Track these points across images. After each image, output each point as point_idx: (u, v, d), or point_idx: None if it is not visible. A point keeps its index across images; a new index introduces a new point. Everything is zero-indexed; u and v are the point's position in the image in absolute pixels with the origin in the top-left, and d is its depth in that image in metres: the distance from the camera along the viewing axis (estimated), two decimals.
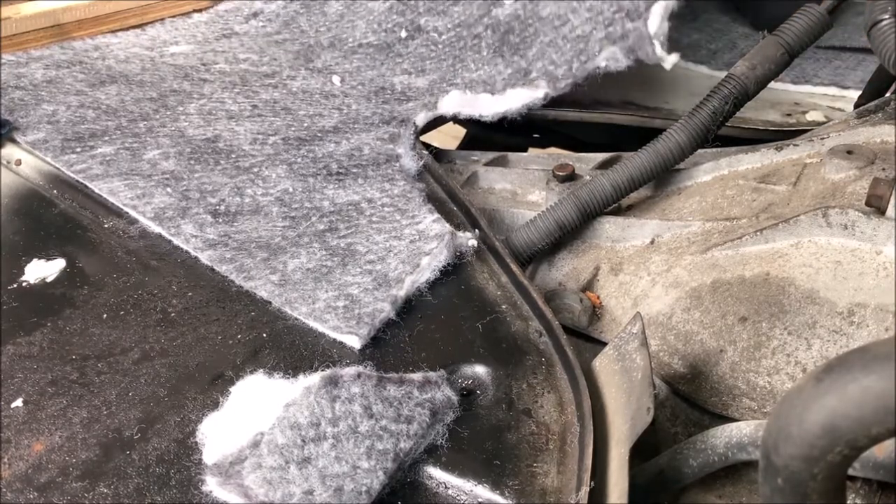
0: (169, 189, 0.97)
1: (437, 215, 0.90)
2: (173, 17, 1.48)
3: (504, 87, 1.16)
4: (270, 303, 0.81)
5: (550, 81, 1.11)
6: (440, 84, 1.22)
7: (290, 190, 0.98)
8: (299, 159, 1.04)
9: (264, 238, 0.89)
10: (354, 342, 0.74)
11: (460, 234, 0.86)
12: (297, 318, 0.78)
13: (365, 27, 1.40)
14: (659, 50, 1.01)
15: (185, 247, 0.88)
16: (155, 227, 0.91)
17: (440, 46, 1.30)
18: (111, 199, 0.96)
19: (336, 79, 1.27)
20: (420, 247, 0.84)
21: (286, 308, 0.79)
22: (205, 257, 0.86)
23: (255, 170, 1.02)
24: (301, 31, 1.44)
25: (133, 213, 0.94)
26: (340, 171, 1.02)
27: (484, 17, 1.29)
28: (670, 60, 1.02)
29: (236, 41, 1.41)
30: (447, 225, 0.87)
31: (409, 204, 0.93)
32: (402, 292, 0.79)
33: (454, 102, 1.15)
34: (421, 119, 1.13)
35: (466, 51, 1.26)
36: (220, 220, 0.92)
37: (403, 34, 1.35)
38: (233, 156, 1.05)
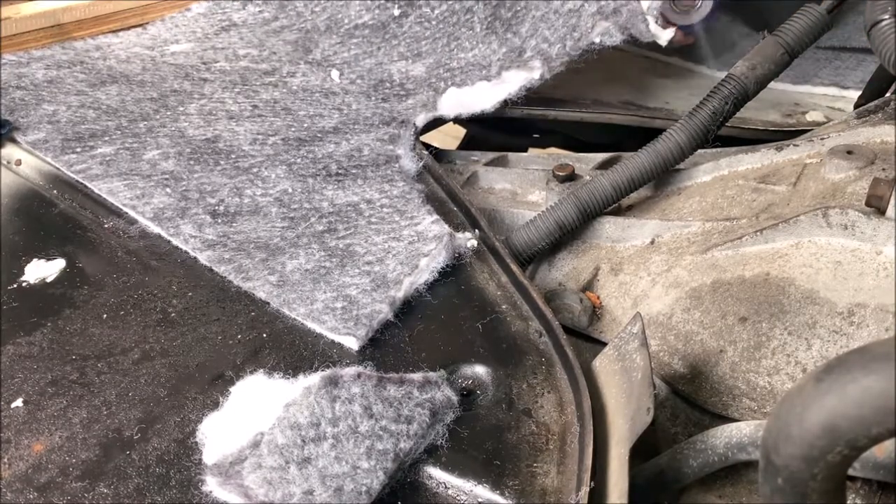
0: (168, 189, 0.97)
1: (435, 216, 0.90)
2: (173, 13, 1.47)
3: (499, 69, 1.15)
4: (270, 303, 0.81)
5: (545, 61, 1.10)
6: (437, 70, 1.22)
7: (290, 190, 0.98)
8: (299, 160, 1.04)
9: (263, 239, 0.89)
10: (352, 343, 0.74)
11: (459, 234, 0.86)
12: (296, 319, 0.78)
13: (359, 5, 1.39)
14: (653, 26, 1.00)
15: (184, 247, 0.88)
16: (154, 228, 0.91)
17: (434, 23, 1.29)
18: (111, 200, 0.96)
19: (335, 73, 1.27)
20: (419, 248, 0.84)
21: (284, 309, 0.79)
22: (203, 258, 0.86)
23: (255, 170, 1.02)
24: (297, 13, 1.43)
25: (132, 214, 0.94)
26: (340, 171, 1.02)
27: None
28: (665, 36, 1.01)
29: (235, 34, 1.41)
30: (446, 226, 0.87)
31: (408, 205, 0.93)
32: (400, 293, 0.79)
33: (453, 103, 1.15)
34: (421, 120, 1.13)
35: (460, 27, 1.25)
36: (219, 221, 0.92)
37: (397, 11, 1.35)
38: (232, 156, 1.05)
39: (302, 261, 0.85)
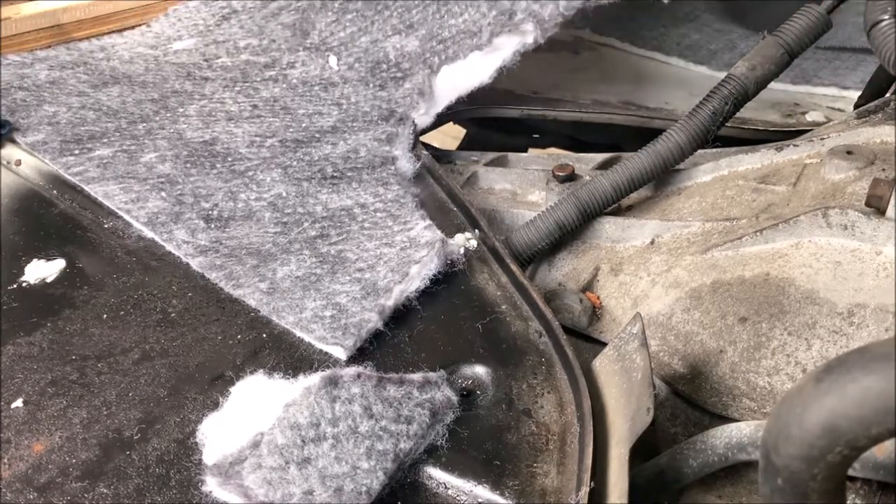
0: (163, 193, 0.96)
1: (428, 222, 0.89)
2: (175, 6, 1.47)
3: (490, 35, 1.13)
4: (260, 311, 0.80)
5: (538, 23, 1.07)
6: (430, 42, 1.20)
7: (284, 194, 0.97)
8: (295, 162, 1.04)
9: (255, 244, 0.88)
10: (340, 353, 0.74)
11: (452, 241, 0.86)
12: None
13: None
14: None
15: (176, 252, 0.87)
16: (148, 232, 0.91)
17: None
18: (106, 203, 0.95)
19: (333, 60, 1.26)
20: (410, 255, 0.84)
21: (273, 317, 0.78)
22: (195, 264, 0.85)
23: (251, 174, 1.01)
24: None
25: (127, 218, 0.93)
26: (335, 174, 1.01)
27: None
28: None
29: (236, 23, 1.40)
30: (439, 232, 0.86)
31: (402, 210, 0.93)
32: (390, 302, 0.78)
33: (449, 85, 1.13)
34: (421, 119, 1.13)
35: None
36: (213, 226, 0.91)
37: None
38: (229, 159, 1.05)
39: (293, 267, 0.84)
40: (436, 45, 1.19)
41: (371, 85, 1.20)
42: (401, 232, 0.88)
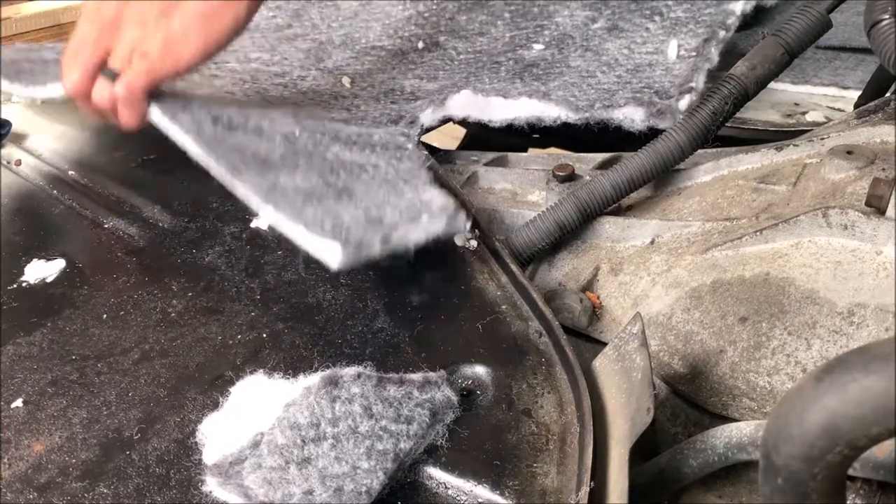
0: None
1: (443, 190, 0.86)
2: None
3: (519, 96, 1.14)
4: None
5: (569, 107, 1.08)
6: (451, 88, 1.21)
7: (296, 133, 0.92)
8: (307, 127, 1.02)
9: (261, 152, 0.84)
10: (335, 255, 0.69)
11: (462, 233, 0.85)
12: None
13: (380, 30, 1.38)
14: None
15: (179, 139, 0.82)
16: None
17: (455, 63, 1.29)
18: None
19: (346, 80, 1.26)
20: (420, 206, 0.81)
21: (270, 206, 0.74)
22: (195, 145, 0.80)
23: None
24: (312, 24, 1.42)
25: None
26: (347, 140, 0.99)
27: (508, 53, 1.27)
28: None
29: (247, 37, 1.39)
30: (452, 201, 0.84)
31: (415, 178, 0.90)
32: (394, 233, 0.74)
33: (463, 103, 1.13)
34: (427, 117, 1.12)
35: (483, 70, 1.24)
36: (220, 128, 0.86)
37: (420, 45, 1.34)
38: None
39: (298, 179, 0.80)
40: (457, 90, 1.18)
41: (382, 101, 1.20)
42: (413, 192, 0.85)
